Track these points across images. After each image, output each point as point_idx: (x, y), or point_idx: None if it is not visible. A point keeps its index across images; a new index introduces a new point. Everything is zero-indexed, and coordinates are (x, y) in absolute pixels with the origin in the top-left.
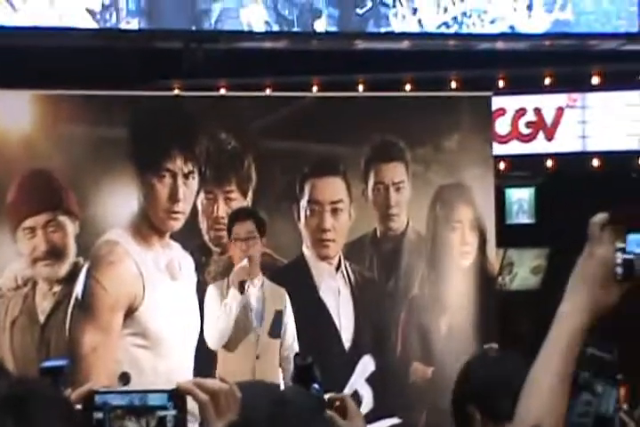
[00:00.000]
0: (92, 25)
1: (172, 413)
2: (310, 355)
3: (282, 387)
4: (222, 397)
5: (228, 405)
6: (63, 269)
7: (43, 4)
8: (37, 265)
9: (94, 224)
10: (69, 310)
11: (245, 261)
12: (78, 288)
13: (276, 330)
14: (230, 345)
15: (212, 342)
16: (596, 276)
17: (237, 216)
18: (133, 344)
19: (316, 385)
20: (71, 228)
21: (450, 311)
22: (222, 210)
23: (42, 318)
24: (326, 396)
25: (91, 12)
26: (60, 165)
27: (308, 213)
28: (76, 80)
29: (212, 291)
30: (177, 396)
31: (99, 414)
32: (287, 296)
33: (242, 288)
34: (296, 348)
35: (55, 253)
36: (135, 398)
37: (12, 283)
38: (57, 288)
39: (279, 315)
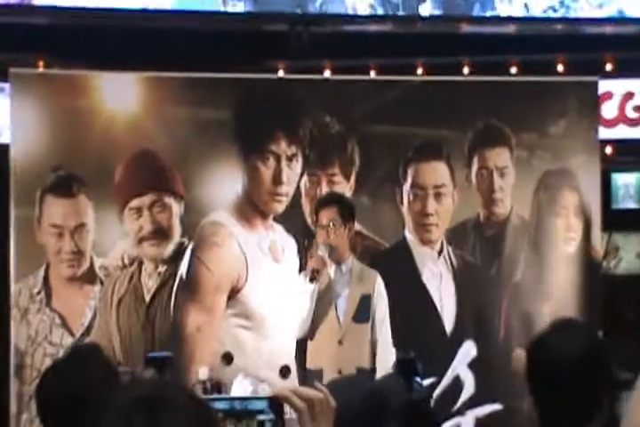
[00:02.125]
0: (199, 8)
1: (270, 417)
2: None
3: (373, 373)
4: (318, 405)
5: (323, 412)
6: (168, 249)
7: None
8: (143, 245)
9: (199, 205)
10: (174, 290)
11: (322, 250)
12: (183, 268)
13: (362, 315)
14: (312, 332)
15: (295, 331)
16: None
17: (321, 203)
18: (236, 325)
19: (418, 378)
20: (176, 208)
21: (554, 297)
22: (324, 193)
23: (147, 298)
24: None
25: None
26: (166, 147)
27: (410, 197)
28: (183, 62)
29: (301, 277)
30: (275, 402)
31: None
32: (379, 279)
33: (313, 277)
34: (387, 333)
35: (161, 234)
36: (236, 403)
37: (119, 262)
38: (162, 268)
39: (366, 299)
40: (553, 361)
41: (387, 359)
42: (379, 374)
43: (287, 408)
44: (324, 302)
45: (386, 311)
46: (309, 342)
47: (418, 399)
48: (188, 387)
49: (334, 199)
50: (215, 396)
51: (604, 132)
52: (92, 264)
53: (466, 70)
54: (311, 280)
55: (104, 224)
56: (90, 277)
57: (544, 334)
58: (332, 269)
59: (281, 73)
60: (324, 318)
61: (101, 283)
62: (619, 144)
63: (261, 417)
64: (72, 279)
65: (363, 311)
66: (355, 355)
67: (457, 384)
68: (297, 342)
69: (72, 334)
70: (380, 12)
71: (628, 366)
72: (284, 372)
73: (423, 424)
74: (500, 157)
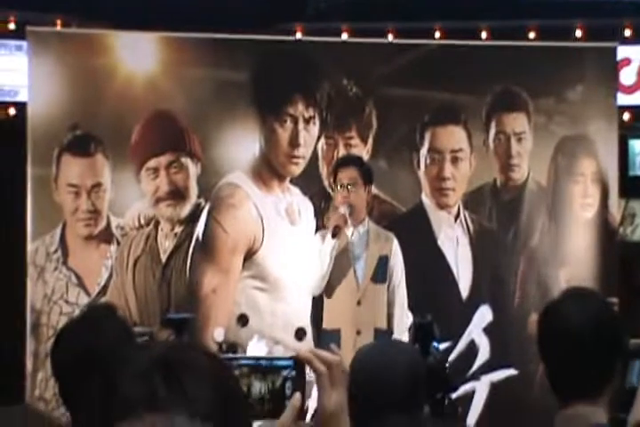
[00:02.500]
0: None
1: (294, 373)
2: (428, 305)
3: (390, 334)
4: (336, 369)
5: (339, 377)
6: (185, 209)
7: None
8: (160, 205)
9: (216, 166)
10: (190, 251)
11: (343, 208)
12: (199, 229)
13: (380, 276)
14: (330, 291)
15: (312, 288)
16: None
17: (342, 163)
18: (252, 287)
19: (435, 343)
20: (193, 169)
21: (570, 263)
22: (342, 155)
23: (163, 258)
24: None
25: None
26: (183, 107)
27: (427, 161)
28: (201, 23)
29: (317, 237)
30: (298, 363)
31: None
32: (396, 242)
33: (334, 234)
34: (404, 295)
35: (177, 194)
36: (262, 361)
37: (135, 222)
38: (178, 229)
39: (384, 260)
40: (564, 329)
41: (402, 321)
42: (395, 336)
43: (307, 370)
44: (342, 263)
45: (402, 273)
46: (327, 302)
47: (434, 364)
48: (209, 349)
49: (354, 160)
50: (241, 355)
51: (623, 99)
52: (108, 224)
53: (484, 35)
54: (333, 236)
55: (121, 184)
56: (106, 236)
57: (556, 302)
58: (349, 230)
59: (299, 35)
60: (342, 279)
61: (118, 243)
62: (637, 110)
63: (286, 373)
64: (88, 239)
65: (380, 272)
66: (372, 315)
67: (472, 349)
68: (313, 302)
69: (88, 294)
70: None
71: None
72: (300, 334)
73: (439, 388)
74: (517, 122)
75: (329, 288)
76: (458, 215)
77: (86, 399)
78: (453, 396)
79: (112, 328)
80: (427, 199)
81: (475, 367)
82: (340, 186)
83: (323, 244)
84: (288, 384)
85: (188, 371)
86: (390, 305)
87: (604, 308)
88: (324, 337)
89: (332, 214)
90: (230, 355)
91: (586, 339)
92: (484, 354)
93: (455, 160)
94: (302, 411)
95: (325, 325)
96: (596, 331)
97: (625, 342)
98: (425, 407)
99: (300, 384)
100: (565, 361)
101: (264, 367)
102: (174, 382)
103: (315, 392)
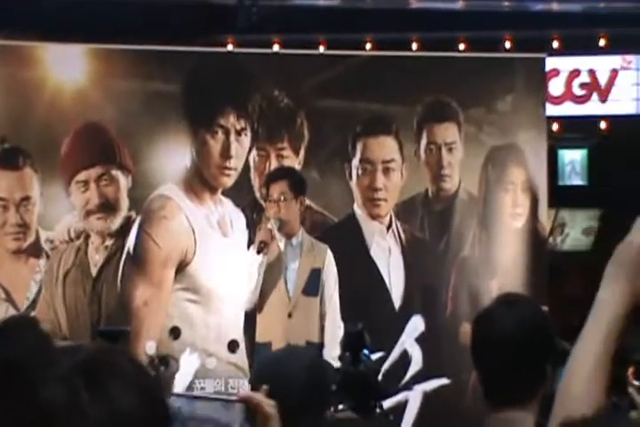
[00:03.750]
0: None
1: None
2: (360, 316)
3: (321, 346)
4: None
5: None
6: (116, 222)
7: None
8: (90, 218)
9: (147, 179)
10: (121, 264)
11: (271, 223)
12: (130, 242)
13: (312, 288)
14: (262, 305)
15: (243, 302)
16: (636, 263)
17: (272, 177)
18: (185, 299)
19: (366, 351)
20: (124, 182)
21: (501, 272)
22: (274, 167)
23: (94, 272)
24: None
25: None
26: (113, 119)
27: (359, 171)
28: (131, 34)
29: (250, 251)
30: (246, 406)
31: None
32: (329, 253)
33: (260, 250)
34: (336, 308)
35: (108, 207)
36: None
37: (65, 236)
38: (109, 242)
39: (316, 273)
40: (496, 334)
41: (335, 333)
42: (327, 348)
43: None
44: (273, 275)
45: (335, 285)
46: (259, 315)
47: (366, 372)
48: (132, 354)
49: (285, 173)
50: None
51: (551, 109)
52: (37, 237)
53: (414, 46)
54: (258, 252)
55: (50, 197)
56: (35, 250)
57: (488, 308)
58: (282, 243)
59: (230, 47)
60: (274, 291)
61: (47, 256)
62: (565, 121)
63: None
64: (17, 252)
65: (312, 285)
66: (304, 328)
67: (405, 359)
68: (246, 315)
69: (17, 308)
70: None
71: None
72: (233, 346)
73: (371, 395)
74: (448, 132)
75: (260, 302)
76: (390, 226)
77: (4, 409)
78: (386, 404)
79: (30, 338)
80: (359, 210)
81: (407, 377)
82: (271, 200)
83: (252, 259)
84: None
85: (110, 374)
86: (322, 317)
87: (535, 312)
88: (257, 350)
89: (259, 229)
90: (182, 392)
91: (517, 343)
92: (416, 364)
93: (387, 171)
94: None
95: (258, 338)
96: (526, 335)
97: (556, 346)
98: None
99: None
100: (497, 366)
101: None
102: (96, 386)
103: None
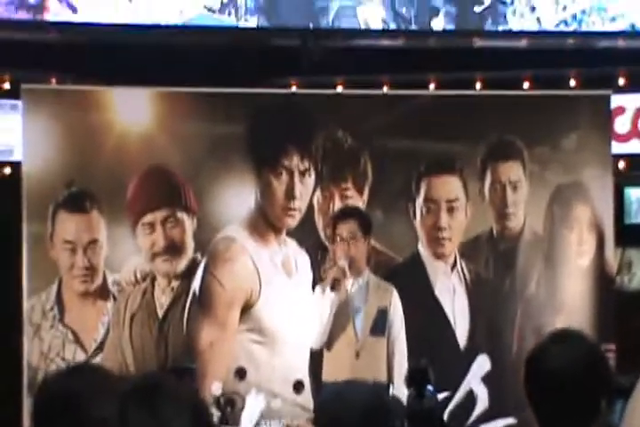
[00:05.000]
0: (211, 22)
1: None
2: (425, 354)
3: (389, 385)
4: None
5: None
6: (181, 264)
7: (162, 1)
8: (156, 260)
9: (212, 220)
10: (187, 306)
11: (343, 261)
12: (196, 284)
13: (378, 328)
14: (330, 344)
15: (313, 340)
16: None
17: (341, 215)
18: (250, 340)
19: (430, 387)
20: (189, 223)
21: (566, 311)
22: (340, 207)
23: (160, 313)
24: None
25: (210, 9)
26: (178, 162)
27: (423, 211)
28: (195, 78)
29: (317, 290)
30: None
31: None
32: (395, 293)
33: (333, 287)
34: (403, 347)
35: (174, 249)
36: None
37: (132, 278)
38: (175, 283)
39: (383, 313)
40: (548, 371)
41: (402, 373)
42: (395, 388)
43: None
44: (341, 315)
45: (402, 325)
46: (326, 354)
47: (430, 407)
48: (181, 379)
49: (354, 212)
50: None
51: (617, 147)
52: (104, 280)
53: (478, 85)
54: (332, 289)
55: (116, 240)
56: (102, 292)
57: (542, 345)
58: (349, 282)
59: (293, 88)
60: (341, 332)
61: (114, 298)
62: (632, 159)
63: None
64: (85, 295)
65: (379, 325)
66: (371, 368)
67: (470, 399)
68: (312, 355)
69: (85, 351)
70: (393, 26)
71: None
72: (298, 387)
73: None
74: (512, 170)
75: (329, 341)
76: (454, 265)
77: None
78: None
79: (92, 376)
80: (423, 249)
81: (473, 417)
82: (340, 239)
83: (322, 297)
84: None
85: (164, 396)
86: (390, 357)
87: (589, 348)
88: (323, 390)
89: (331, 267)
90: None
91: (568, 381)
92: (482, 403)
93: (451, 210)
94: None
95: (325, 377)
96: (578, 372)
97: (611, 382)
98: None
99: None
100: (551, 402)
101: None
102: (149, 406)
103: None
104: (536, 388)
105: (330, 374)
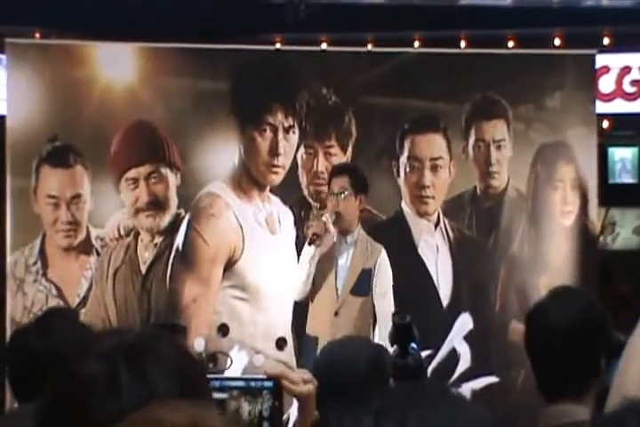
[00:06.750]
0: None
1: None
2: (408, 312)
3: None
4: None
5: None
6: (165, 220)
7: None
8: (140, 216)
9: (195, 176)
10: (170, 261)
11: (325, 216)
12: (179, 240)
13: (360, 288)
14: (313, 296)
15: (295, 293)
16: None
17: (335, 171)
18: (233, 296)
19: (413, 344)
20: (173, 179)
21: (549, 271)
22: (322, 165)
23: (143, 269)
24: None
25: None
26: (162, 117)
27: (407, 169)
28: (180, 33)
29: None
30: (277, 384)
31: (221, 395)
32: (384, 254)
33: (312, 241)
34: (389, 307)
35: (157, 205)
36: (251, 382)
37: (115, 233)
38: (158, 239)
39: (367, 273)
40: (550, 327)
41: (385, 332)
42: None
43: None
44: (324, 270)
45: (389, 286)
46: (310, 308)
47: (415, 365)
48: (179, 341)
49: (348, 169)
50: (227, 376)
51: (601, 107)
52: (88, 235)
53: (463, 43)
54: (310, 244)
55: (100, 195)
56: (86, 247)
57: (542, 301)
58: (334, 238)
59: (278, 45)
60: (324, 285)
61: (97, 254)
62: (616, 118)
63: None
64: (68, 250)
65: (362, 285)
66: (350, 327)
67: (453, 357)
68: (295, 310)
69: (68, 305)
70: None
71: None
72: (281, 344)
73: None
74: (496, 129)
75: (312, 293)
76: (438, 223)
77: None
78: None
79: (65, 333)
80: (406, 207)
81: (456, 375)
82: (331, 194)
83: (303, 251)
84: (266, 406)
85: (153, 358)
86: (373, 318)
87: (589, 305)
88: (305, 343)
89: (314, 222)
90: (218, 375)
91: (570, 337)
92: (464, 361)
93: (435, 168)
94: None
95: (308, 330)
96: (580, 328)
97: (610, 339)
98: None
99: (280, 404)
100: (550, 359)
101: (254, 389)
102: (139, 369)
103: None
104: (536, 344)
105: (311, 328)
